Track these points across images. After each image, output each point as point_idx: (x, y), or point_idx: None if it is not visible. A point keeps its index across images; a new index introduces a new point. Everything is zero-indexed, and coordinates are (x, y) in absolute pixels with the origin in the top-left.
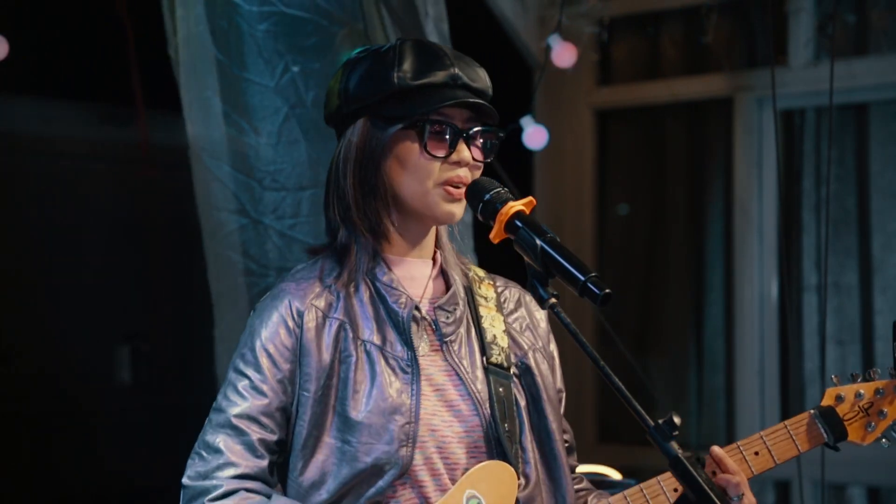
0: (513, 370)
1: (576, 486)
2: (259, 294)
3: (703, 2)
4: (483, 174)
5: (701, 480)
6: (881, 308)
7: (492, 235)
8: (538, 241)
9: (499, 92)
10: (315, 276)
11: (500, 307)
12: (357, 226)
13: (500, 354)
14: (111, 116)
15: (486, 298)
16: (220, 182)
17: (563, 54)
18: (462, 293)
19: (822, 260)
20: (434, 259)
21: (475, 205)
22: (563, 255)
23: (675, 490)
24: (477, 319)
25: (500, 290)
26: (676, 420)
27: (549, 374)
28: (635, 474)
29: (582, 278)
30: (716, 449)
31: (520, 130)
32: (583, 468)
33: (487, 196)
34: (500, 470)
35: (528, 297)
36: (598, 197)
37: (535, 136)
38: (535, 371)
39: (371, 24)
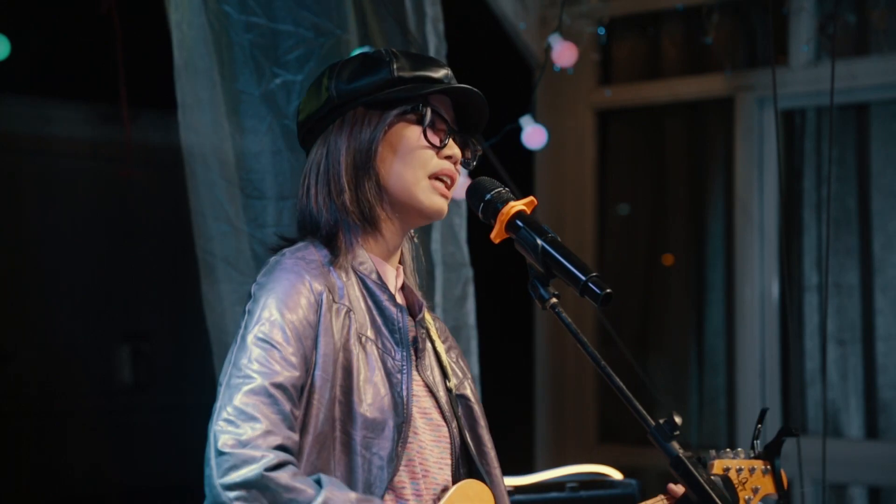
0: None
1: None
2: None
3: (703, 2)
4: (483, 173)
5: (702, 480)
6: (882, 308)
7: (493, 235)
8: (539, 241)
9: (499, 92)
10: (316, 259)
11: (440, 335)
12: (349, 211)
13: (452, 380)
14: (111, 116)
15: (430, 325)
16: (207, 187)
17: (564, 54)
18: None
19: (822, 260)
20: (398, 271)
21: (476, 204)
22: (564, 254)
23: None
24: (433, 343)
25: (435, 319)
26: (677, 420)
27: (478, 401)
28: (636, 474)
29: (583, 278)
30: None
31: (519, 130)
32: (584, 468)
33: (489, 196)
34: (480, 489)
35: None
36: (599, 197)
37: (533, 135)
38: (472, 399)
39: (362, 32)
